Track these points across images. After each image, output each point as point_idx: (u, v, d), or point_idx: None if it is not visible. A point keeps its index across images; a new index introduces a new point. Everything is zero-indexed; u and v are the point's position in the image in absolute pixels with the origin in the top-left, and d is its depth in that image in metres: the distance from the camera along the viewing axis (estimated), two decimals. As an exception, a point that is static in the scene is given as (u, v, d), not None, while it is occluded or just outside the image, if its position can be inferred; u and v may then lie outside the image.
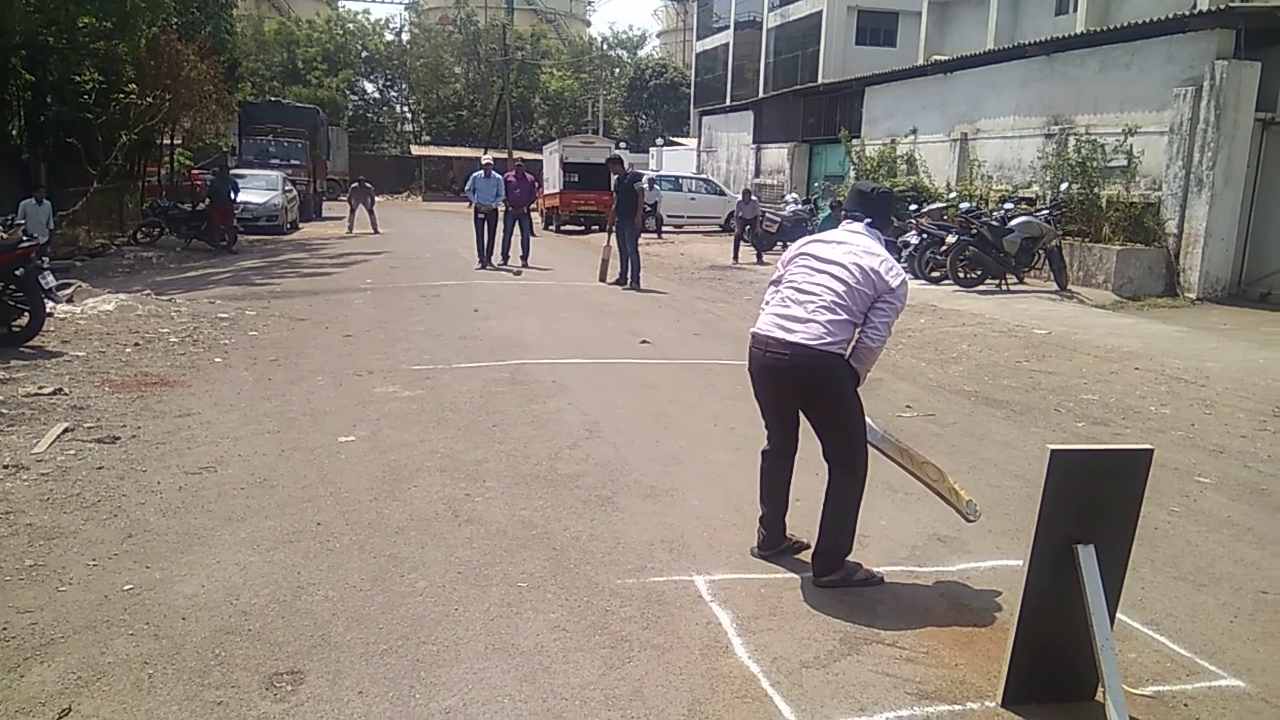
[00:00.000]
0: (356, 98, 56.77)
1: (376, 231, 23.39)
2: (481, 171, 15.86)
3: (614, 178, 13.88)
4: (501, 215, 15.97)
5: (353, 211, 24.13)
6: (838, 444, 3.85)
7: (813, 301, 3.73)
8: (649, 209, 19.97)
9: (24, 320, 8.19)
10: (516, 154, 35.08)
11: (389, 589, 3.71)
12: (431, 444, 5.68)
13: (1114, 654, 2.83)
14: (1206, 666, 3.33)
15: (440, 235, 23.51)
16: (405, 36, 58.89)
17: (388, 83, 58.47)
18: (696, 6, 50.39)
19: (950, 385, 7.84)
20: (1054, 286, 13.61)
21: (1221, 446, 6.18)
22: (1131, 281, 13.49)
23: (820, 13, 33.25)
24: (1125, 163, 14.17)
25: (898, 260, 3.87)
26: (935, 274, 14.50)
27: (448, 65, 55.96)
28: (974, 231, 13.65)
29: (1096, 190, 14.57)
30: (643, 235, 15.01)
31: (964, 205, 14.89)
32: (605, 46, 64.65)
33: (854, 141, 21.25)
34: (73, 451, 5.29)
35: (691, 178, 28.62)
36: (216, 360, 8.00)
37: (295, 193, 24.68)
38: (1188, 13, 13.21)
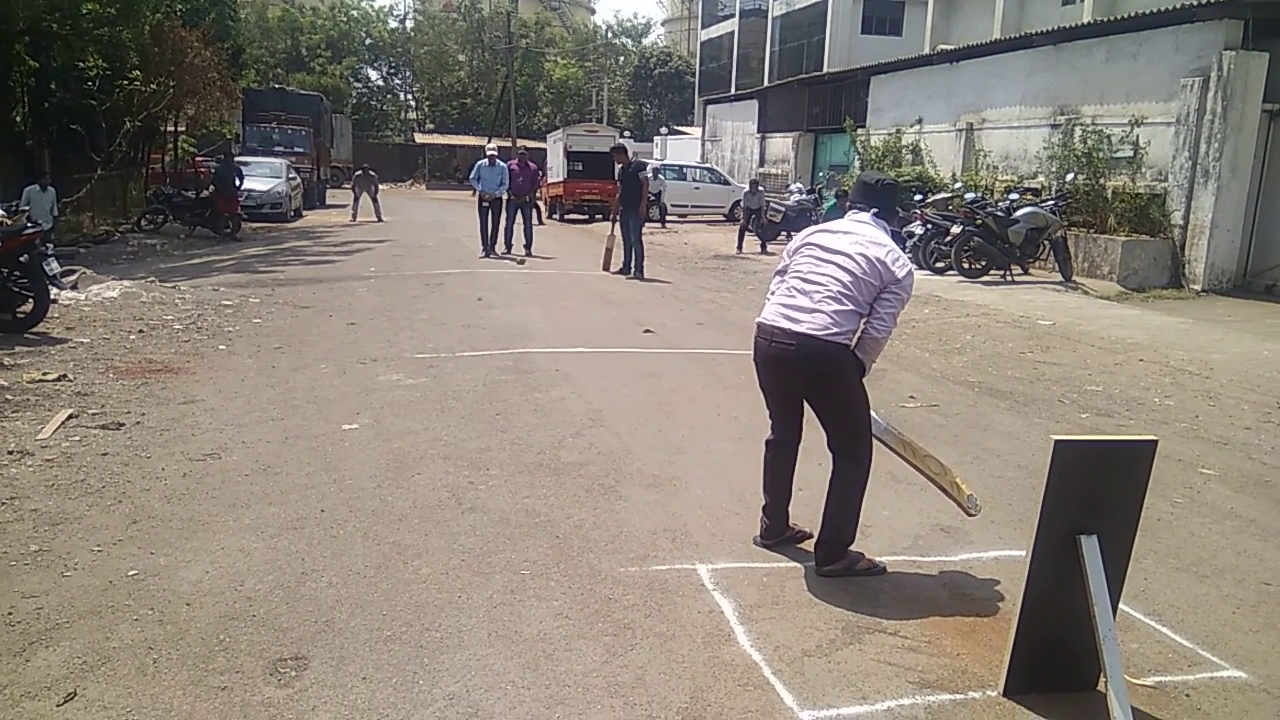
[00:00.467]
0: (360, 85, 56.68)
1: (380, 219, 23.38)
2: (486, 160, 15.82)
3: (618, 167, 13.85)
4: (504, 204, 15.94)
5: (356, 199, 24.13)
6: (842, 434, 3.85)
7: (819, 292, 3.72)
8: (653, 198, 19.91)
9: (28, 307, 8.21)
10: (521, 142, 35.01)
11: (393, 576, 3.72)
12: (435, 432, 5.69)
13: (1116, 644, 2.83)
14: (1208, 657, 3.33)
15: (444, 223, 23.50)
16: (409, 23, 58.82)
17: (392, 70, 58.37)
18: (701, -6, 50.22)
19: (954, 376, 7.83)
20: (1059, 277, 13.57)
21: (1225, 438, 6.17)
22: (1136, 273, 13.45)
23: (826, 1, 33.08)
24: (1131, 153, 14.11)
25: (902, 251, 3.86)
26: (940, 264, 14.47)
27: (452, 53, 55.83)
28: (979, 222, 13.61)
29: (1102, 181, 14.52)
30: (646, 224, 14.97)
31: (969, 195, 14.86)
32: (610, 34, 64.43)
33: (859, 131, 21.19)
34: (77, 438, 5.30)
35: (696, 167, 28.56)
36: (220, 347, 8.01)
37: (299, 180, 24.66)
38: (1195, 2, 13.10)
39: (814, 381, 3.84)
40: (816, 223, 5.77)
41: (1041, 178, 15.91)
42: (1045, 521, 2.87)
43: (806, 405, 3.98)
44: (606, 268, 14.01)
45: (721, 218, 25.77)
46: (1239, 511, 4.82)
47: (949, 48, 20.56)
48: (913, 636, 3.39)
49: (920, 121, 19.72)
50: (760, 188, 19.18)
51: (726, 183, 26.89)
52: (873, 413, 3.93)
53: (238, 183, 18.02)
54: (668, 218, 24.36)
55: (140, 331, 8.42)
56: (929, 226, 14.58)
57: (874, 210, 3.89)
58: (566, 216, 25.81)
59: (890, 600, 3.67)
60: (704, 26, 48.92)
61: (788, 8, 36.41)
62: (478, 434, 5.67)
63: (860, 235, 3.78)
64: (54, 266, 8.50)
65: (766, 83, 33.28)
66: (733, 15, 43.50)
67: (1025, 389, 7.40)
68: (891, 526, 4.42)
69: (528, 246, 16.11)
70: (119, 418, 5.71)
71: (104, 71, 16.62)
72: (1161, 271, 13.57)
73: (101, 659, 3.05)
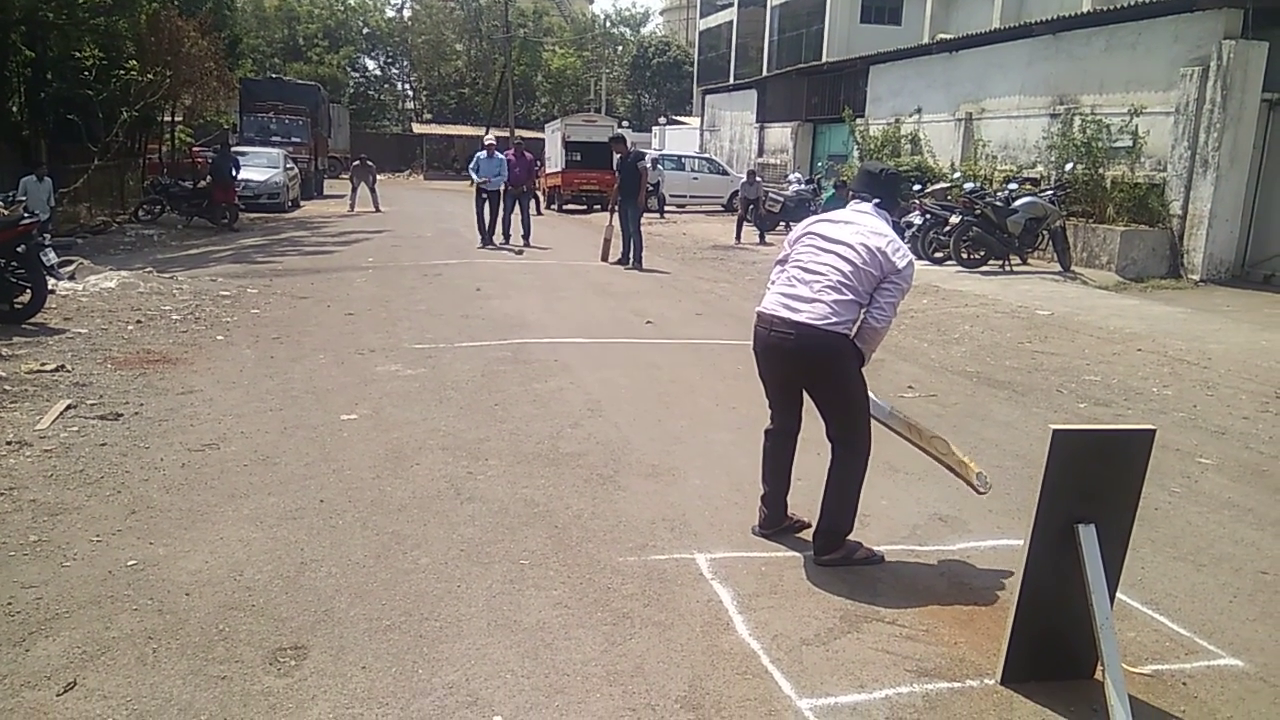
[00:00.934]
0: (358, 75, 56.50)
1: (378, 210, 23.34)
2: (484, 151, 15.78)
3: (616, 157, 13.81)
4: (502, 194, 15.90)
5: (354, 190, 24.08)
6: (841, 423, 3.85)
7: (819, 281, 3.72)
8: (651, 188, 19.87)
9: (26, 297, 8.20)
10: (519, 132, 34.90)
11: (392, 566, 3.73)
12: (433, 422, 5.69)
13: (1113, 633, 2.84)
14: (1205, 646, 3.34)
15: (442, 214, 23.45)
16: (407, 12, 58.52)
17: (389, 60, 58.18)
18: (700, -16, 50.01)
19: (952, 366, 7.83)
20: (1057, 267, 13.56)
21: (1223, 428, 6.18)
22: (1135, 263, 13.45)
23: (825, -10, 32.98)
24: (1130, 143, 14.07)
25: (902, 241, 3.85)
26: (938, 255, 14.45)
27: (449, 42, 55.64)
28: (978, 212, 13.58)
29: (1101, 171, 14.49)
30: (645, 214, 14.93)
31: (968, 185, 14.82)
32: (608, 24, 64.15)
33: (858, 121, 21.13)
34: (75, 428, 5.30)
35: (694, 157, 28.49)
36: (219, 338, 8.00)
37: (296, 170, 24.61)
38: (1196, -9, 13.08)
39: (813, 371, 3.84)
40: (815, 213, 5.75)
41: (1040, 167, 15.88)
42: (1043, 510, 2.87)
43: (806, 395, 3.98)
44: (605, 258, 13.98)
45: (720, 208, 25.73)
46: (1236, 501, 4.84)
47: (948, 37, 20.50)
48: (910, 625, 3.40)
49: (919, 111, 19.68)
50: (757, 178, 19.09)
51: (725, 173, 26.84)
52: (874, 397, 3.93)
53: (234, 173, 17.96)
54: (666, 208, 24.33)
55: (138, 322, 8.41)
56: (928, 216, 14.56)
57: (876, 201, 3.89)
58: (565, 207, 25.76)
59: (888, 589, 3.68)
60: (702, 16, 48.76)
61: (787, -4, 36.28)
62: (476, 424, 5.67)
63: (861, 225, 3.77)
64: (51, 257, 8.47)
65: (765, 72, 33.18)
66: (731, 4, 43.34)
67: (1023, 379, 7.41)
68: (889, 516, 4.43)
69: (526, 237, 16.08)
70: (117, 408, 5.70)
71: (100, 61, 16.53)
72: (1160, 261, 13.57)
73: (101, 649, 3.05)
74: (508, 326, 8.85)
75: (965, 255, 13.82)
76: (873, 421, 3.91)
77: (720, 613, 3.45)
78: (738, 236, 18.21)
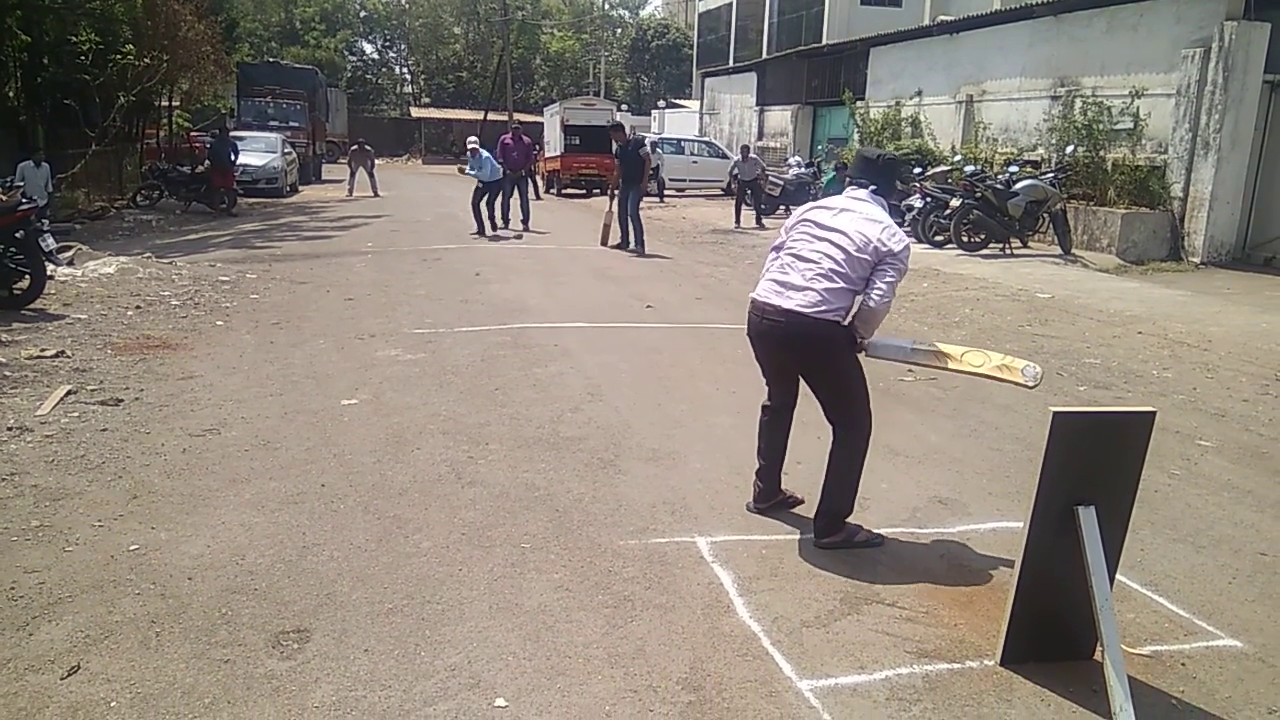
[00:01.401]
0: (355, 59, 56.26)
1: (376, 195, 23.27)
2: (469, 152, 15.40)
3: (616, 145, 13.73)
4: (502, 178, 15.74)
5: (352, 174, 24.01)
6: (838, 408, 3.87)
7: (811, 269, 3.73)
8: (650, 172, 19.67)
9: (25, 283, 8.18)
10: (517, 116, 34.76)
11: (393, 549, 3.74)
12: (434, 407, 5.69)
13: (1113, 614, 2.85)
14: (1204, 627, 3.36)
15: (441, 199, 23.38)
16: (404, -4, 58.18)
17: (386, 43, 57.89)
18: (699, -35, 49.64)
19: (952, 349, 7.82)
20: (1058, 250, 13.53)
21: (1223, 410, 6.19)
22: (1136, 245, 13.42)
23: (825, -29, 32.73)
24: (1131, 125, 14.02)
25: (901, 225, 3.84)
26: (939, 238, 14.41)
27: (447, 25, 55.33)
28: (978, 195, 13.54)
29: (1102, 153, 14.44)
30: (644, 199, 14.87)
31: (969, 168, 14.77)
32: (606, 6, 63.80)
33: (858, 104, 21.03)
34: (76, 414, 5.30)
35: (694, 140, 28.37)
36: (218, 323, 7.99)
37: (294, 155, 24.51)
38: (1197, -28, 13.00)
39: (805, 357, 3.86)
40: (815, 196, 5.74)
41: (1041, 150, 15.83)
42: (1043, 492, 2.88)
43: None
44: (604, 243, 13.96)
45: (720, 191, 25.61)
46: (1236, 483, 4.84)
47: (949, 18, 20.37)
48: (910, 607, 3.41)
49: (920, 93, 19.58)
50: (753, 154, 18.69)
51: (725, 156, 26.71)
52: (894, 340, 3.91)
53: (233, 157, 17.91)
54: (665, 192, 24.25)
55: (137, 307, 8.40)
56: (928, 199, 14.51)
57: (873, 187, 3.87)
58: (564, 191, 25.68)
59: (888, 571, 3.70)
60: (702, -2, 48.42)
61: (787, -22, 36.03)
62: (477, 409, 5.68)
63: (856, 212, 3.77)
64: (50, 242, 8.46)
65: (765, 55, 32.97)
66: (731, -14, 43.02)
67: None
68: (889, 499, 4.44)
69: (525, 221, 16.02)
70: (118, 393, 5.71)
71: (97, 45, 16.42)
72: (1161, 244, 13.54)
73: (104, 633, 3.07)
74: (507, 311, 8.84)
75: (966, 238, 13.80)
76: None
77: (721, 595, 3.46)
78: (737, 221, 18.08)
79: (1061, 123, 15.06)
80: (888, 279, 3.68)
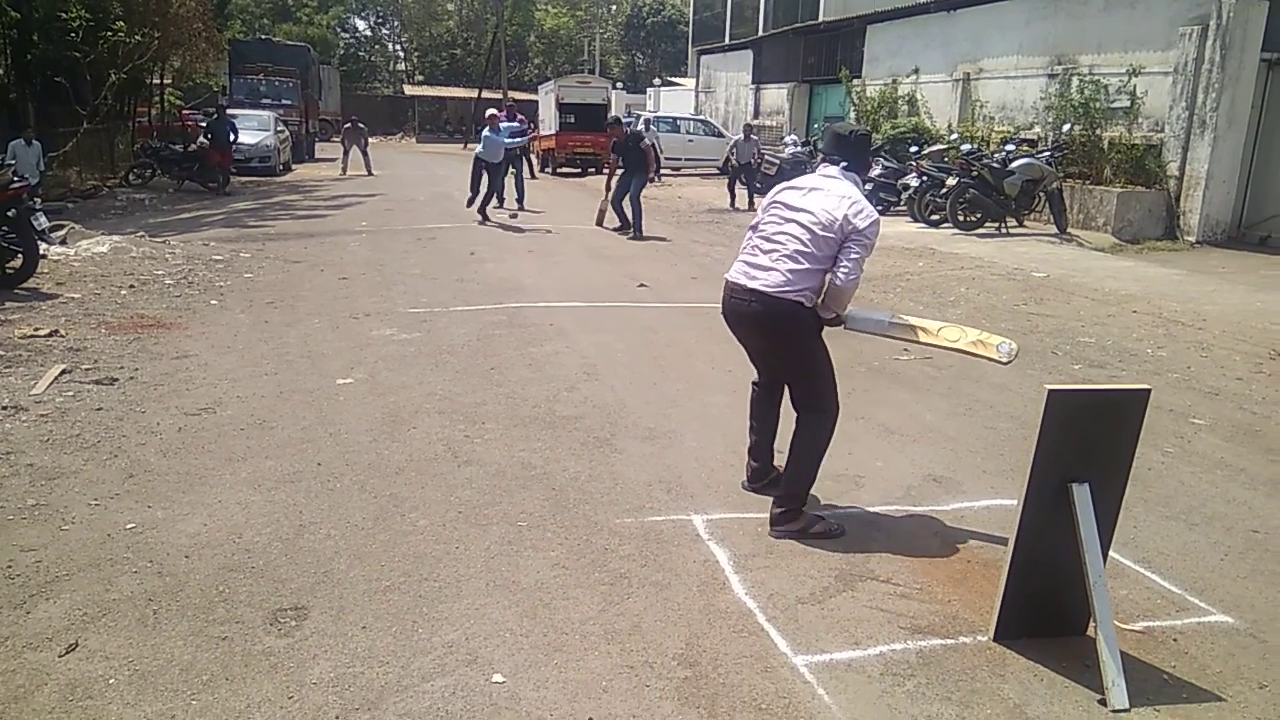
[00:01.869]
0: (348, 35, 55.80)
1: (370, 173, 23.15)
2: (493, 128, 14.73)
3: (614, 139, 13.57)
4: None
5: (346, 153, 23.86)
6: (803, 389, 3.89)
7: (776, 250, 3.76)
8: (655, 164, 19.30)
9: (17, 262, 8.14)
10: (511, 94, 34.56)
11: (390, 528, 3.75)
12: (429, 386, 5.69)
13: (1106, 590, 2.87)
14: (1196, 603, 3.38)
15: (435, 177, 23.27)
16: (397, -29, 57.63)
17: (379, 20, 57.43)
18: (695, -59, 49.19)
19: (948, 328, 7.83)
20: (1054, 229, 13.53)
21: (1217, 389, 6.21)
22: (1131, 224, 13.41)
23: (822, -53, 32.46)
24: (1128, 104, 13.97)
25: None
26: (935, 217, 14.39)
27: (440, 2, 54.81)
28: (975, 174, 13.51)
29: (1098, 132, 14.40)
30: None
31: (965, 147, 14.73)
32: (602, -17, 63.30)
33: (855, 82, 20.92)
34: (71, 393, 5.29)
35: (689, 119, 28.21)
36: (212, 302, 7.97)
37: (287, 133, 24.38)
38: (1196, -51, 12.91)
39: (770, 337, 3.90)
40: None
41: (1038, 128, 15.78)
42: (1038, 470, 2.89)
43: None
44: (600, 223, 13.91)
45: (716, 170, 25.50)
46: (1229, 461, 4.87)
47: (946, -4, 20.22)
48: (905, 584, 3.43)
49: (917, 71, 19.47)
50: (754, 135, 18.53)
51: (720, 135, 26.58)
52: (871, 313, 3.92)
53: (233, 137, 17.83)
54: (661, 171, 24.12)
55: (131, 287, 8.37)
56: (925, 178, 14.47)
57: (844, 164, 3.84)
58: (559, 170, 25.54)
59: (882, 549, 3.72)
60: (697, -26, 48.00)
61: (783, -46, 35.73)
62: (472, 388, 5.68)
63: (825, 190, 3.75)
64: (42, 221, 8.41)
65: (761, 32, 32.71)
66: (727, -37, 42.65)
67: (1018, 341, 7.37)
68: (884, 477, 4.45)
69: (520, 200, 15.96)
70: (112, 373, 5.70)
71: (87, 22, 16.26)
72: (1156, 223, 13.54)
73: (102, 611, 3.07)
74: (503, 290, 8.83)
75: (962, 217, 13.77)
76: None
77: (717, 572, 3.48)
78: (732, 201, 17.85)
79: (1058, 101, 15.00)
80: (853, 256, 3.65)
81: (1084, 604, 2.91)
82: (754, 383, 4.23)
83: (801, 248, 3.69)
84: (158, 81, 22.15)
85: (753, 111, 28.48)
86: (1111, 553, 3.18)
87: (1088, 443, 2.91)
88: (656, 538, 3.74)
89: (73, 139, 16.30)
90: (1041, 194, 13.69)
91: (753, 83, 28.77)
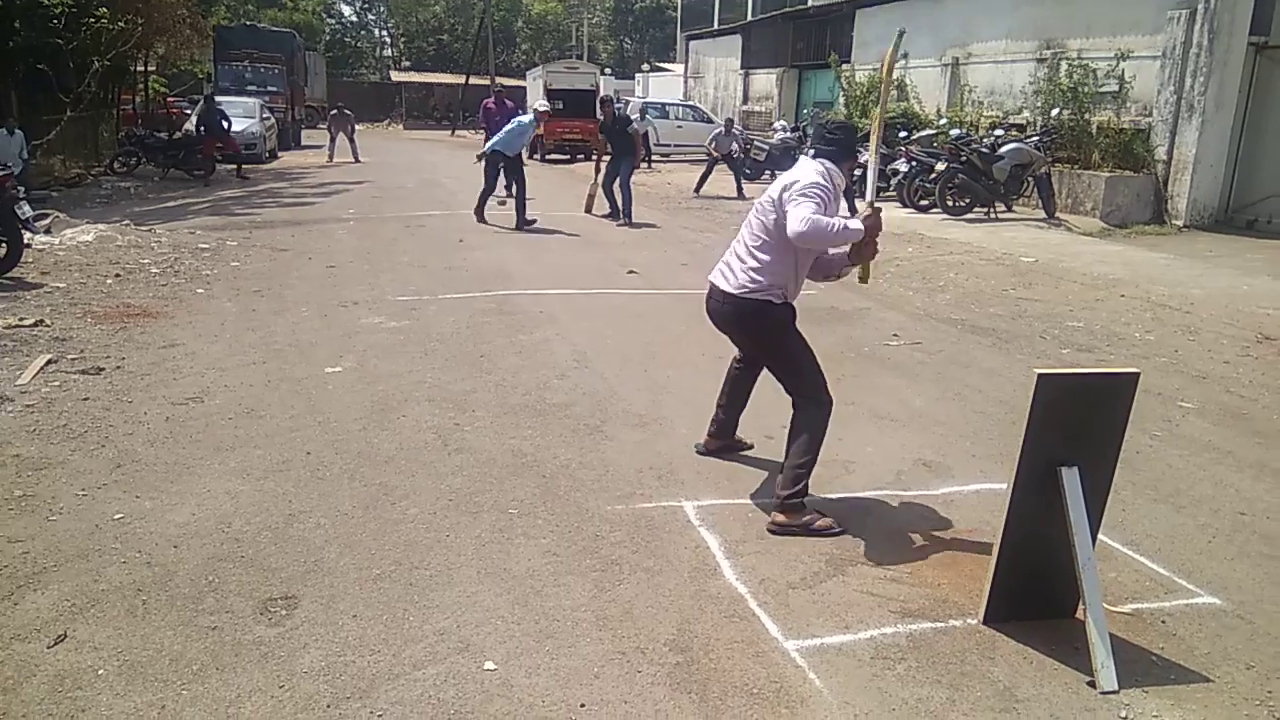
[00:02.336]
0: (333, 21, 55.44)
1: (357, 160, 23.01)
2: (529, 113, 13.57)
3: (603, 118, 13.52)
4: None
5: (333, 140, 23.69)
6: (790, 381, 3.92)
7: (739, 249, 3.87)
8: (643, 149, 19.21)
9: (2, 252, 8.05)
10: (499, 80, 34.34)
11: (380, 516, 3.74)
12: (419, 374, 5.67)
13: (1095, 573, 2.89)
14: (1184, 585, 3.41)
15: (423, 164, 23.15)
16: (382, -43, 57.21)
17: (365, 5, 57.05)
18: (683, -74, 48.92)
19: (937, 313, 7.85)
20: (1042, 214, 13.55)
21: (1204, 372, 6.24)
22: (1119, 209, 13.44)
23: (811, -68, 32.31)
24: (1117, 88, 13.99)
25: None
26: (924, 202, 14.40)
27: (427, -13, 54.49)
28: (963, 159, 13.52)
29: (1087, 116, 14.41)
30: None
31: (954, 132, 14.72)
32: (589, -32, 62.92)
33: (844, 67, 20.86)
34: (57, 383, 5.25)
35: (678, 105, 28.11)
36: (199, 291, 7.92)
37: (273, 120, 24.17)
38: (1185, -68, 12.89)
39: (744, 335, 4.02)
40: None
41: (1027, 113, 15.78)
42: (1027, 453, 2.90)
43: None
44: (589, 210, 13.86)
45: (705, 156, 25.44)
46: (1216, 444, 4.90)
47: (935, -20, 20.16)
48: (895, 568, 3.45)
49: (906, 56, 19.39)
50: (736, 129, 18.28)
51: (710, 120, 26.47)
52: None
53: (227, 125, 17.71)
54: (651, 157, 24.05)
55: (117, 275, 8.30)
56: (914, 164, 14.47)
57: (822, 155, 3.80)
58: (548, 157, 25.42)
59: (872, 534, 3.73)
60: (686, -41, 47.75)
61: (771, -61, 35.55)
62: (462, 376, 5.66)
63: (786, 178, 3.76)
64: (26, 210, 8.32)
65: (750, 17, 32.58)
66: (715, -53, 42.45)
67: (1007, 326, 7.43)
68: (874, 462, 4.46)
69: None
70: (99, 362, 5.65)
71: (69, 9, 16.04)
72: (1144, 207, 13.57)
73: (90, 601, 3.06)
74: (492, 278, 8.79)
75: (950, 202, 13.78)
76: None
77: (707, 558, 3.48)
78: (698, 187, 17.21)
79: (1047, 85, 15.00)
80: (792, 204, 3.57)
81: (1073, 587, 2.92)
82: (735, 358, 4.31)
83: (754, 240, 3.78)
84: (142, 69, 21.93)
85: (742, 97, 28.43)
86: (1100, 535, 3.20)
87: (1077, 426, 2.91)
88: (647, 524, 3.74)
89: (56, 127, 16.12)
90: (1030, 179, 13.71)
91: (742, 68, 28.69)
